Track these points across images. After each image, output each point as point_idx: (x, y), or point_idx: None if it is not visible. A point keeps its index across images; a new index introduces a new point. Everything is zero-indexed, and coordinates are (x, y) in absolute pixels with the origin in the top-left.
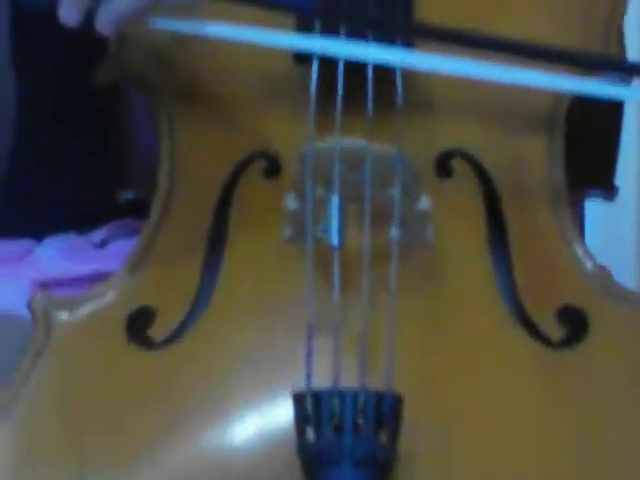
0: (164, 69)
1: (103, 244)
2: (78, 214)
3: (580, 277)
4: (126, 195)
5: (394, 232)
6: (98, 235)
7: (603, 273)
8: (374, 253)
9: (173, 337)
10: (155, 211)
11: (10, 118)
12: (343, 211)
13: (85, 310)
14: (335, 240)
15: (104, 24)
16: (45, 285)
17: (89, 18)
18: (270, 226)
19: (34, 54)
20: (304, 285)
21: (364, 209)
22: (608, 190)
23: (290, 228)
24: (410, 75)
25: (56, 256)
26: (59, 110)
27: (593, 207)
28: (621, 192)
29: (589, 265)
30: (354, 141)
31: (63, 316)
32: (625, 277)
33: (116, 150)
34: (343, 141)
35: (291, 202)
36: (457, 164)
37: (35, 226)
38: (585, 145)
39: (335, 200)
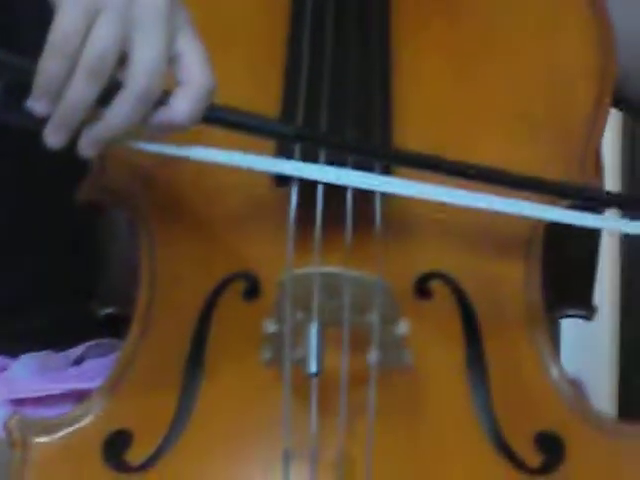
0: (145, 188)
1: (80, 361)
2: (55, 331)
3: (556, 402)
4: (104, 311)
5: (372, 357)
6: (75, 352)
7: (579, 397)
8: (352, 377)
9: (149, 462)
10: (133, 330)
11: None
12: (322, 338)
13: (62, 433)
14: (313, 368)
15: (87, 148)
16: (19, 402)
17: (72, 141)
18: (248, 348)
19: (12, 174)
20: (281, 410)
21: (342, 334)
22: (587, 310)
23: (268, 351)
24: (389, 198)
25: (31, 375)
26: (35, 225)
27: (569, 322)
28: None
29: (565, 388)
30: (333, 268)
31: (40, 439)
32: (600, 390)
33: (95, 265)
34: (322, 268)
35: (270, 326)
36: (435, 286)
37: (11, 343)
38: (563, 265)
39: (314, 329)
